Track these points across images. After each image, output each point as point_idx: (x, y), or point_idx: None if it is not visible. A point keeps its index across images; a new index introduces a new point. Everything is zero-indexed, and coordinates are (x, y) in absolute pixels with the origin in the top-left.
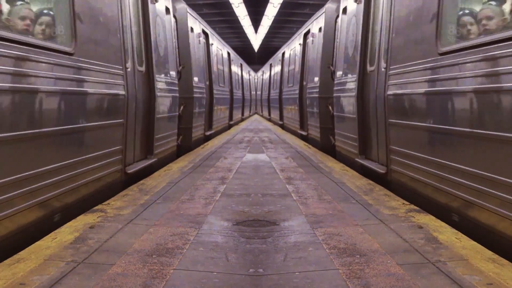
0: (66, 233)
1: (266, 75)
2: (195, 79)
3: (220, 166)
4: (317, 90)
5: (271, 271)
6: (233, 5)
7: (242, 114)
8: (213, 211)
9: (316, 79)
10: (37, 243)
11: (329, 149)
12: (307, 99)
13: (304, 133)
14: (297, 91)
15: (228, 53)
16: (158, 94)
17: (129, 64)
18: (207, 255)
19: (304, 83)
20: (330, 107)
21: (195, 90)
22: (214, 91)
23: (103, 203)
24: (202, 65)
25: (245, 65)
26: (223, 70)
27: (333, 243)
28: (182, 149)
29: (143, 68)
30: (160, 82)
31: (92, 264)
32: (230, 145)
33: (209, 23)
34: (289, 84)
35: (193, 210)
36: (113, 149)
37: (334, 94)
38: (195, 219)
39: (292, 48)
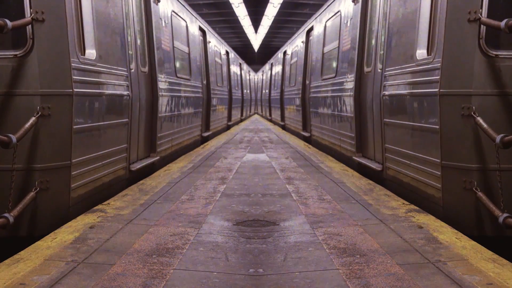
0: (66, 233)
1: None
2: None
3: (220, 166)
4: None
5: (271, 271)
6: (233, 5)
7: (241, 115)
8: (213, 211)
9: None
10: (37, 243)
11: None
12: (401, 98)
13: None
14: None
15: (227, 52)
16: None
17: None
18: (207, 255)
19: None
20: None
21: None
22: (211, 91)
23: (103, 203)
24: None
25: (245, 65)
26: (222, 70)
27: (333, 243)
28: None
29: None
30: None
31: (92, 264)
32: (230, 145)
33: (209, 23)
34: (328, 74)
35: (193, 210)
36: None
37: None
38: (195, 219)
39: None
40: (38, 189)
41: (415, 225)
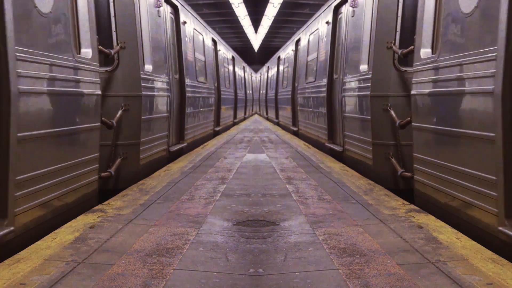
0: (66, 233)
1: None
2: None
3: (220, 166)
4: None
5: (271, 271)
6: (233, 5)
7: (245, 113)
8: (213, 211)
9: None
10: (37, 243)
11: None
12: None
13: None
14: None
15: (233, 57)
16: None
17: None
18: (207, 255)
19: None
20: None
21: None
22: (221, 93)
23: (103, 203)
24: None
25: (247, 68)
26: (229, 74)
27: (333, 243)
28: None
29: None
30: None
31: (92, 264)
32: (230, 145)
33: (209, 23)
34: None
35: (193, 210)
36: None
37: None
38: (195, 219)
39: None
40: (122, 157)
41: (415, 225)
